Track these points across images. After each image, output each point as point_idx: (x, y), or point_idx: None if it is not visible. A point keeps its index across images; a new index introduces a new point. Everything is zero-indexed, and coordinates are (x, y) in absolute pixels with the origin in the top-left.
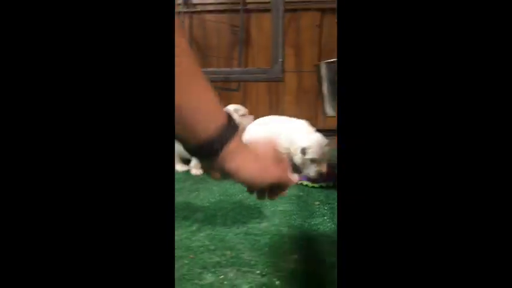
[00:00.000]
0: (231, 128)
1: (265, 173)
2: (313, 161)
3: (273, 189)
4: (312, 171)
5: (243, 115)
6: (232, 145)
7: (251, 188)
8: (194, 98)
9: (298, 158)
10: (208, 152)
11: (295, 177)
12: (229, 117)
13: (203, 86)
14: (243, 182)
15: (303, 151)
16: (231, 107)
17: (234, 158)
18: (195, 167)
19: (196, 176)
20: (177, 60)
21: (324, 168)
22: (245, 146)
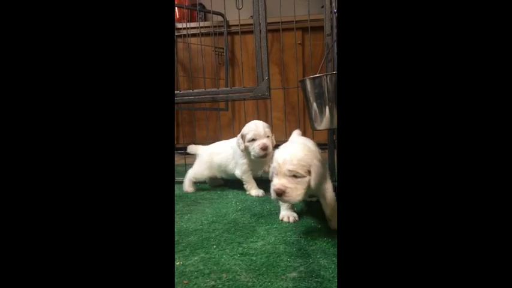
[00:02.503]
0: None
1: None
2: (253, 140)
3: None
4: (255, 148)
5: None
6: None
7: None
8: None
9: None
10: None
11: None
12: None
13: None
14: None
15: (243, 137)
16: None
17: None
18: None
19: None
20: None
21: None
22: None
